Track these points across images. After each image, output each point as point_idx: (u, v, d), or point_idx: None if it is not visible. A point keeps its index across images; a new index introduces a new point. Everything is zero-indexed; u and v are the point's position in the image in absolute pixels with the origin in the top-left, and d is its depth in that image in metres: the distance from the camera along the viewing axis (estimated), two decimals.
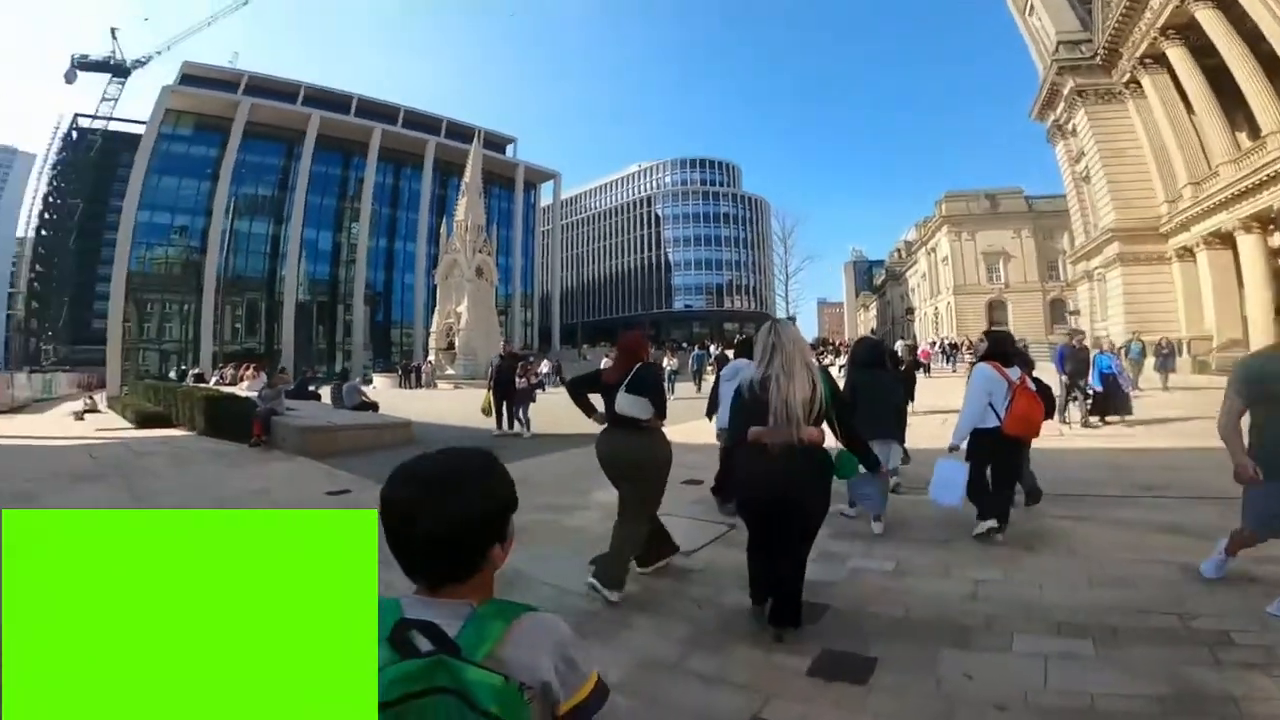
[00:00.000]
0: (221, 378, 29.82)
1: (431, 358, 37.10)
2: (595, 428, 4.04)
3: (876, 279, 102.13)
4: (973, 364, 4.96)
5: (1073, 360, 10.11)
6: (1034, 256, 51.43)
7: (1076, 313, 34.11)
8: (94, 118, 61.37)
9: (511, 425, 11.01)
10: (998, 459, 4.28)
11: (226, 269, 50.00)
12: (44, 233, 66.60)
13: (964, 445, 4.37)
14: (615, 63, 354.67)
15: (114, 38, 69.95)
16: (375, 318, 57.71)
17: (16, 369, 49.12)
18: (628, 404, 3.51)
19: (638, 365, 3.62)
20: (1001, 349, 4.43)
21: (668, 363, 17.22)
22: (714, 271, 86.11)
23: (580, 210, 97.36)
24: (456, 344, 36.05)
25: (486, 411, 10.85)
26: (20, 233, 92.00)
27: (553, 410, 13.74)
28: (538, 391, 12.43)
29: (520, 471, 6.04)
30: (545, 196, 74.31)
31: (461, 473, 0.97)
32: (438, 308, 38.09)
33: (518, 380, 10.92)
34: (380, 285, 58.55)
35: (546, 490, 6.35)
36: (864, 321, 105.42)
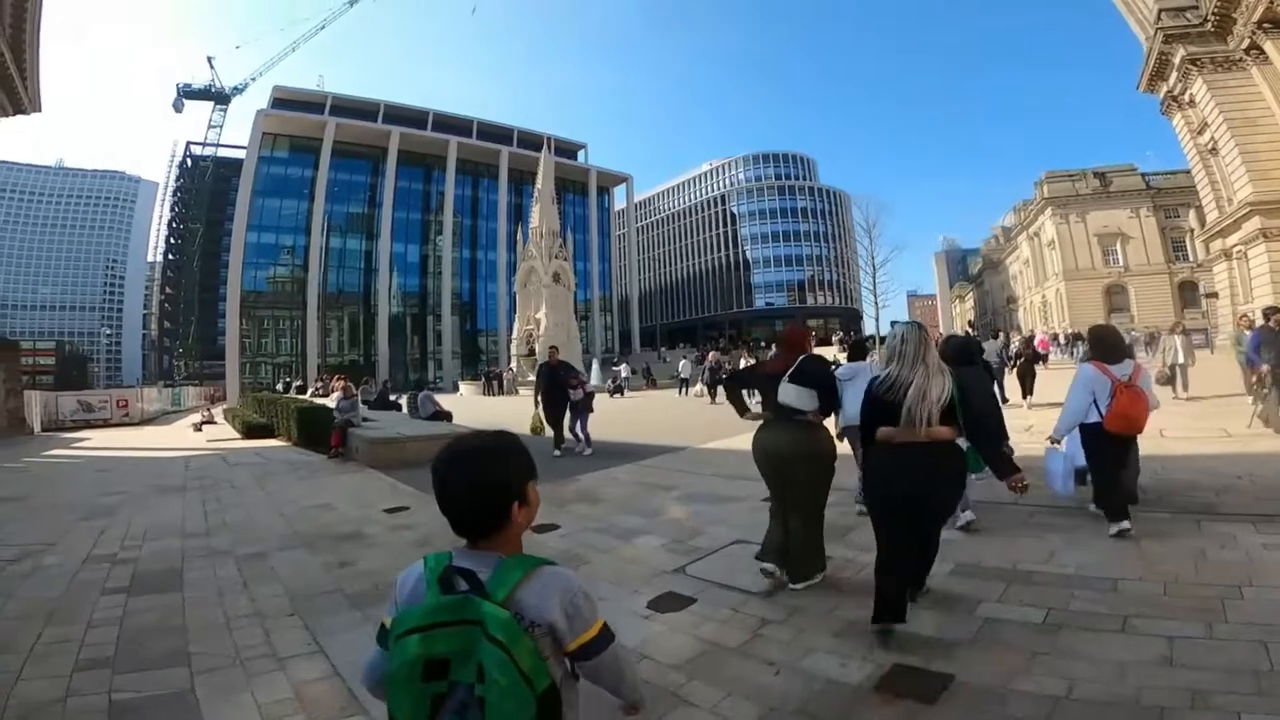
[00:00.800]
0: (317, 389, 31.48)
1: (513, 364, 37.78)
2: (660, 439, 3.82)
3: (972, 267, 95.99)
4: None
5: (1274, 347, 7.40)
6: (1156, 236, 46.55)
7: (1214, 295, 30.27)
8: (204, 144, 67.42)
9: (560, 445, 9.46)
10: (1107, 454, 4.28)
11: (326, 284, 53.38)
12: (170, 256, 73.50)
13: (1064, 440, 4.43)
14: (681, 63, 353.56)
15: (211, 66, 76.59)
16: (464, 326, 59.89)
17: (151, 383, 54.68)
18: (791, 395, 3.46)
19: (801, 357, 3.56)
20: (1103, 349, 4.48)
21: (745, 363, 16.38)
22: (794, 268, 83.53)
23: (654, 212, 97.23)
24: (536, 350, 36.51)
25: (537, 429, 9.28)
26: (150, 257, 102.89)
27: (610, 419, 13.30)
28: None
29: (582, 488, 5.71)
30: (619, 201, 74.67)
31: (480, 449, 1.22)
32: (518, 314, 38.79)
33: (572, 392, 9.37)
34: (466, 294, 60.64)
35: (611, 507, 5.82)
36: (960, 313, 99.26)
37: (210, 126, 70.43)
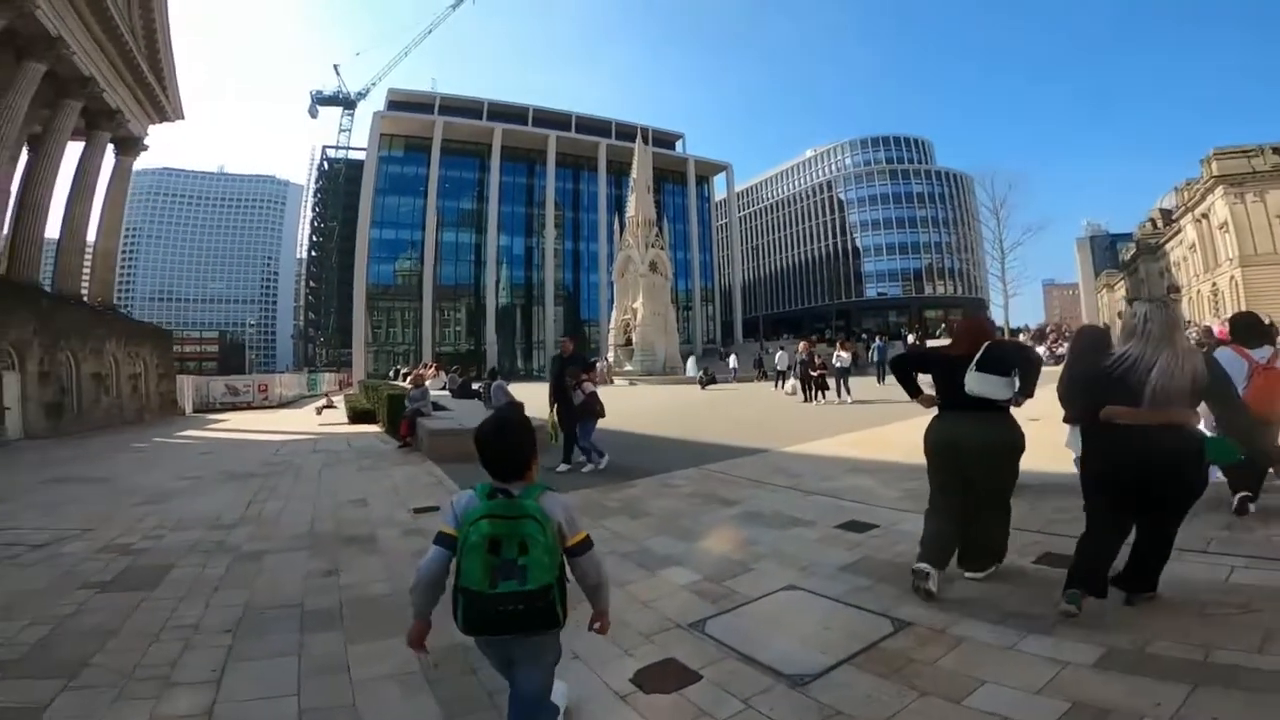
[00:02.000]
0: (414, 378, 32.36)
1: (611, 354, 37.65)
2: (740, 439, 5.54)
3: (1123, 254, 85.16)
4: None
5: None
6: None
7: None
8: (337, 148, 72.95)
9: (568, 457, 7.58)
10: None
11: (439, 277, 56.14)
12: (313, 253, 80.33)
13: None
14: (784, 48, 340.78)
15: (337, 73, 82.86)
16: (568, 316, 61.05)
17: (297, 370, 60.19)
18: (984, 385, 3.29)
19: (987, 344, 3.38)
20: (1244, 333, 4.55)
21: (839, 356, 15.38)
22: (910, 255, 77.82)
23: (756, 201, 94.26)
24: (634, 340, 36.14)
25: (552, 437, 7.74)
26: (298, 254, 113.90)
27: (694, 413, 12.25)
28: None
29: (630, 496, 5.94)
30: (719, 190, 72.93)
31: (508, 422, 1.93)
32: (615, 304, 38.61)
33: (574, 393, 7.36)
34: (569, 285, 61.67)
35: (652, 524, 4.95)
36: (1108, 304, 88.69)
37: (341, 130, 76.33)
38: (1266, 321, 5.03)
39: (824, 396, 14.97)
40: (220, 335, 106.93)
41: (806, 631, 2.81)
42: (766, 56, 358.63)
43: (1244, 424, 4.04)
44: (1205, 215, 48.34)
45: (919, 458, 6.15)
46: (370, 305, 55.46)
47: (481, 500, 1.75)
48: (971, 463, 3.33)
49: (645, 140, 61.82)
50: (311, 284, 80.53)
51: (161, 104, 27.76)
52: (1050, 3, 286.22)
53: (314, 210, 78.97)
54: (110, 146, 26.11)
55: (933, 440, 3.55)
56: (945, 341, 6.68)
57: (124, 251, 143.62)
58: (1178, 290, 57.90)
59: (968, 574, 3.36)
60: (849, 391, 15.00)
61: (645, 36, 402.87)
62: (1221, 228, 45.31)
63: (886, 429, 9.26)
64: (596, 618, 1.92)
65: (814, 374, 14.99)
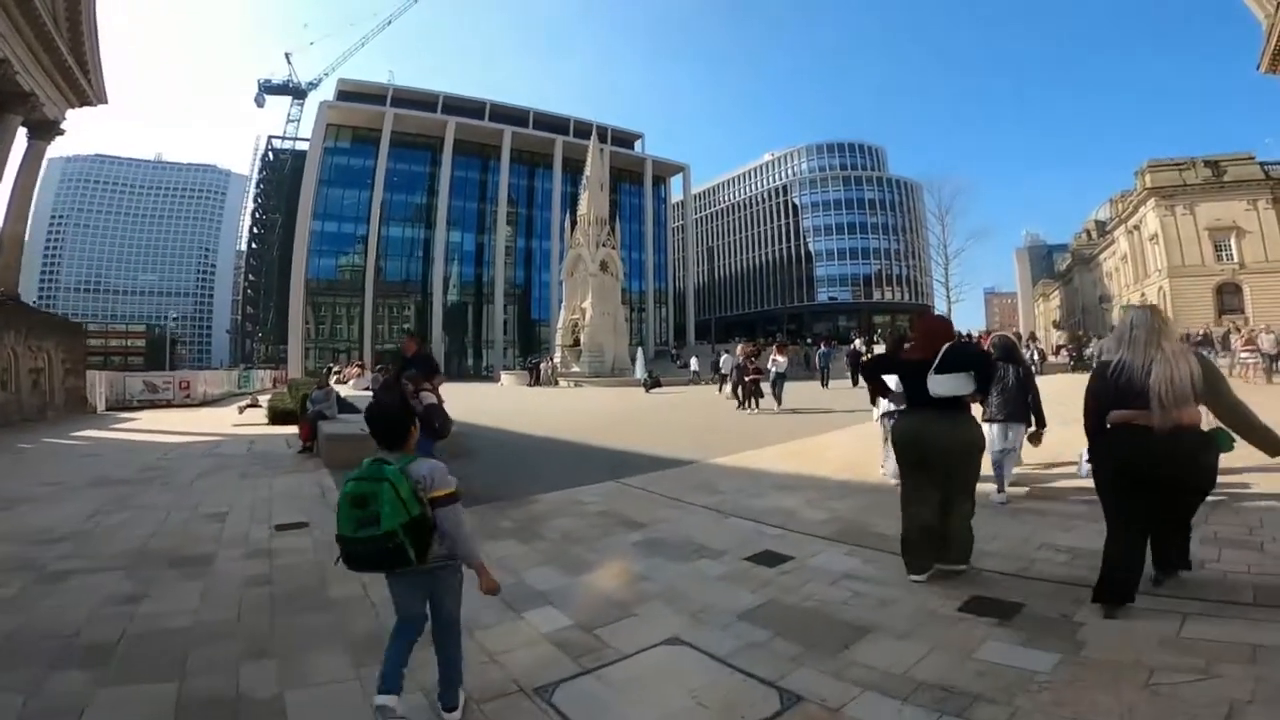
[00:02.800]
0: (338, 376, 30.88)
1: (558, 355, 36.79)
2: (669, 448, 5.98)
3: (1059, 264, 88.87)
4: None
5: None
6: (1277, 231, 41.08)
7: None
8: (283, 138, 69.71)
9: None
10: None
11: (383, 272, 54.12)
12: (254, 245, 76.73)
13: None
14: (740, 51, 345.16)
15: (289, 62, 79.41)
16: (520, 315, 59.71)
17: (232, 367, 57.08)
18: (946, 385, 3.44)
19: (946, 346, 3.52)
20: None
21: (774, 361, 14.29)
22: (860, 261, 79.33)
23: (712, 204, 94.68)
24: (582, 340, 35.38)
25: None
26: (240, 246, 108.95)
27: (631, 418, 11.61)
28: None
29: (531, 515, 5.37)
30: (676, 193, 72.86)
31: (385, 405, 2.45)
32: (564, 303, 37.78)
33: (415, 401, 4.67)
34: (521, 283, 60.41)
35: (543, 552, 4.36)
36: (1044, 313, 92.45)
37: (289, 120, 72.90)
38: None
39: (756, 405, 13.66)
40: (148, 329, 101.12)
41: (673, 707, 2.25)
42: (729, 60, 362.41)
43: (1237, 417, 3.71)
44: (1137, 227, 50.51)
45: (851, 473, 6.10)
46: (310, 300, 53.12)
47: (364, 467, 2.18)
48: (937, 458, 3.47)
49: (604, 139, 61.35)
50: (251, 277, 76.94)
51: (82, 87, 25.77)
52: (998, 17, 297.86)
53: (256, 202, 75.54)
54: (23, 131, 24.36)
55: (899, 436, 3.71)
56: (881, 349, 7.29)
57: (49, 240, 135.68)
58: (1109, 300, 60.51)
59: (942, 566, 3.45)
60: (779, 401, 13.70)
61: (609, 37, 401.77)
62: (1152, 239, 47.37)
63: (823, 438, 8.92)
64: (479, 578, 2.25)
65: (747, 379, 13.89)
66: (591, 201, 36.05)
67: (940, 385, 3.43)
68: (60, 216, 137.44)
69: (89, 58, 25.10)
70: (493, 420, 12.23)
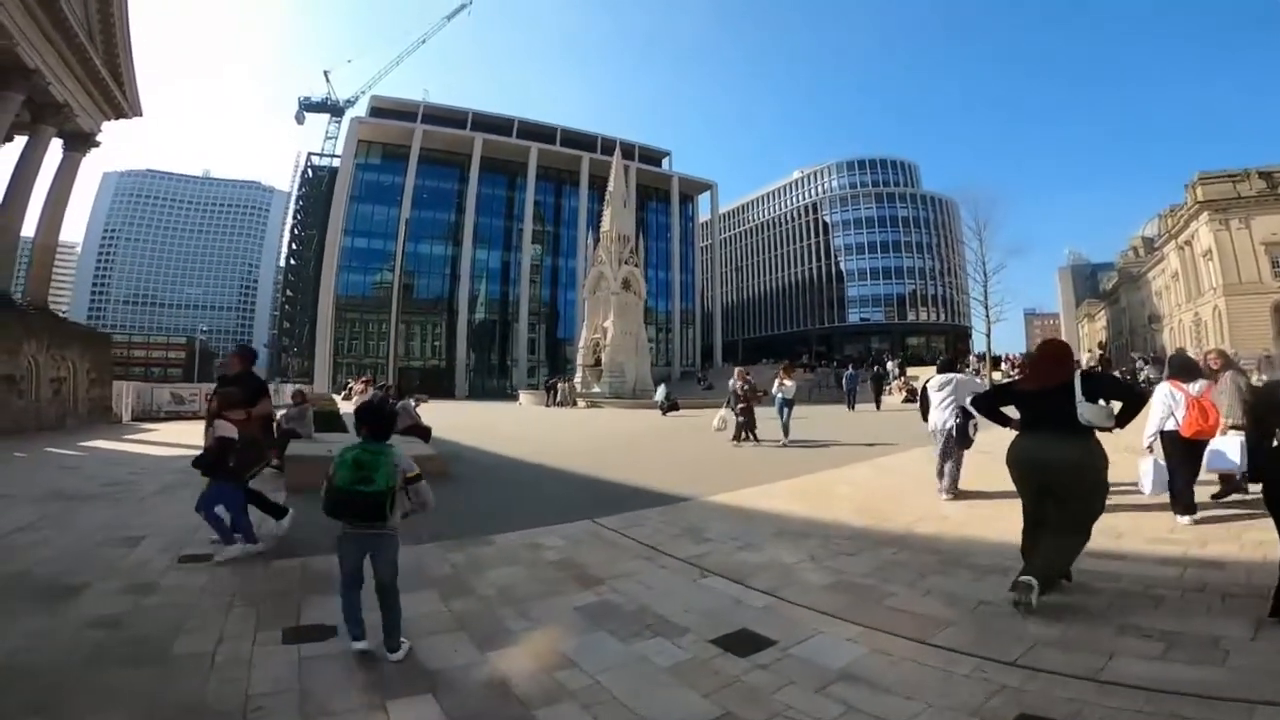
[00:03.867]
0: (349, 391, 30.79)
1: (579, 375, 36.12)
2: (663, 482, 6.10)
3: (1104, 283, 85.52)
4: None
5: None
6: None
7: None
8: (321, 155, 71.30)
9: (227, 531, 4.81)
10: (1184, 454, 5.03)
11: (411, 289, 54.39)
12: (292, 261, 78.40)
13: (1156, 444, 5.18)
14: (767, 70, 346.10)
15: (327, 80, 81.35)
16: (548, 334, 59.42)
17: (270, 380, 57.65)
18: (1092, 414, 3.40)
19: (1081, 374, 3.58)
20: (1180, 371, 5.39)
21: (780, 386, 11.93)
22: (894, 281, 77.30)
23: (740, 223, 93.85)
24: (603, 360, 34.65)
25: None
26: (280, 262, 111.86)
27: (632, 445, 10.68)
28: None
29: (475, 561, 4.59)
30: (704, 210, 72.33)
31: (378, 408, 3.28)
32: (586, 322, 37.17)
33: (219, 425, 4.95)
34: (546, 302, 60.22)
35: (459, 615, 3.56)
36: (1089, 334, 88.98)
37: (327, 138, 74.70)
38: (1198, 360, 5.87)
39: (750, 437, 11.52)
40: (188, 341, 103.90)
41: None
42: (756, 78, 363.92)
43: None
44: (1189, 242, 48.04)
45: (869, 518, 5.25)
46: (339, 316, 53.57)
47: (362, 443, 3.04)
48: (1053, 480, 3.46)
49: (631, 156, 61.30)
50: (289, 293, 78.52)
51: (116, 99, 26.34)
52: (1034, 29, 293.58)
53: (295, 218, 77.24)
54: (60, 142, 24.97)
55: (1015, 458, 3.66)
56: (934, 373, 6.87)
57: (101, 253, 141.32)
58: (1159, 320, 57.63)
59: (1022, 577, 3.25)
60: (786, 431, 11.38)
61: (637, 57, 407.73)
62: (1205, 255, 44.97)
63: (839, 473, 7.93)
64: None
65: (739, 407, 11.60)
66: (614, 218, 35.56)
67: (1091, 414, 3.40)
68: (112, 230, 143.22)
69: (123, 69, 25.56)
70: (489, 442, 11.51)
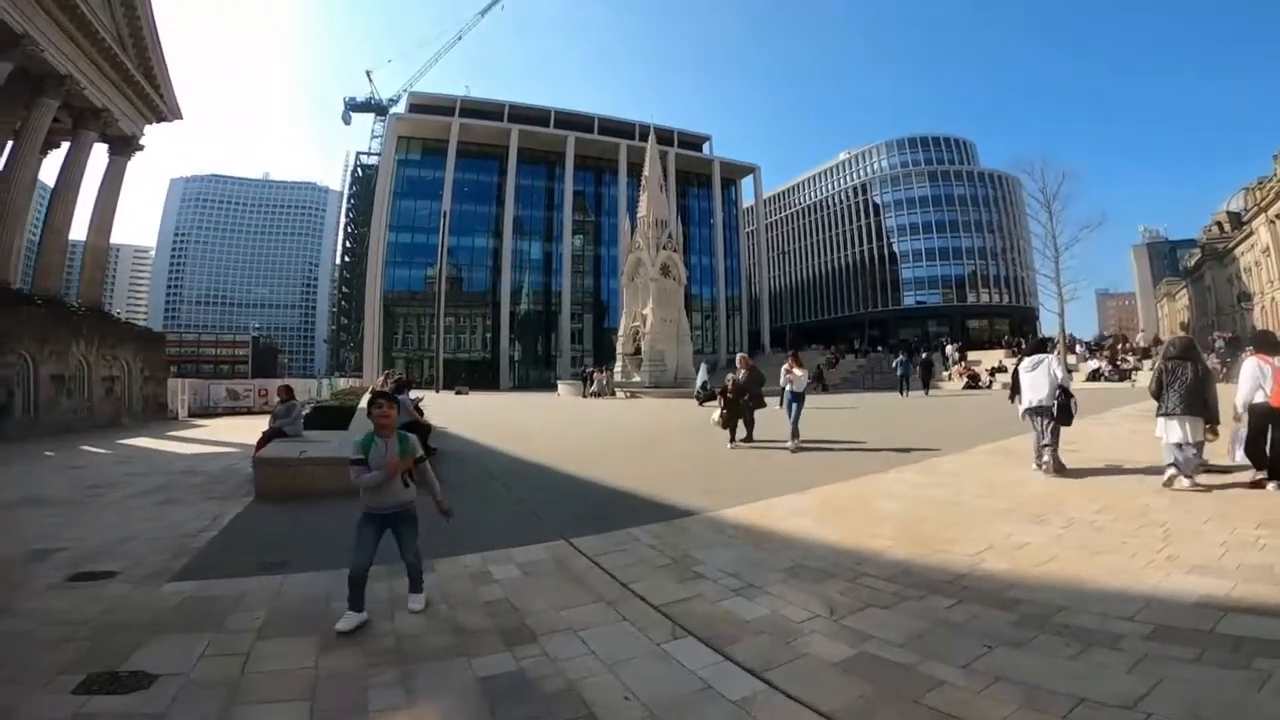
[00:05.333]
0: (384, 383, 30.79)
1: (619, 364, 35.25)
2: (675, 490, 5.81)
3: (1186, 260, 78.99)
4: None
5: None
6: None
7: None
8: (369, 154, 72.52)
9: None
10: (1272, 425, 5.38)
11: (453, 282, 54.66)
12: (346, 259, 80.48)
13: (1245, 415, 5.56)
14: (811, 52, 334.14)
15: (370, 80, 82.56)
16: (595, 323, 58.94)
17: (329, 374, 59.47)
18: None
19: None
20: (1265, 344, 5.79)
21: (787, 377, 9.67)
22: (951, 262, 73.21)
23: (786, 207, 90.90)
24: (642, 348, 33.66)
25: None
26: (337, 259, 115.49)
27: (657, 442, 9.68)
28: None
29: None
30: (747, 195, 70.20)
31: (388, 393, 3.90)
32: (624, 310, 36.23)
33: None
34: (590, 291, 59.61)
35: (342, 674, 2.58)
36: (1169, 314, 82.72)
37: (373, 137, 76.08)
38: None
39: (746, 434, 9.82)
40: (254, 339, 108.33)
41: None
42: (798, 61, 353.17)
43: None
44: None
45: (916, 547, 4.17)
46: (387, 311, 54.35)
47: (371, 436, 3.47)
48: None
49: (670, 142, 59.93)
50: (344, 289, 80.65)
51: (155, 103, 26.94)
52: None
53: (348, 216, 79.12)
54: (105, 147, 25.65)
55: None
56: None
57: (173, 256, 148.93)
58: (1249, 299, 52.79)
59: None
60: (795, 433, 9.22)
61: (675, 42, 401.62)
62: None
63: (884, 479, 6.66)
64: (439, 507, 3.52)
65: (726, 397, 9.84)
66: (650, 202, 34.38)
67: None
68: (182, 234, 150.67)
69: (157, 73, 26.01)
70: (500, 440, 10.70)
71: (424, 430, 9.20)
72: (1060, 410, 6.31)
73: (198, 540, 5.15)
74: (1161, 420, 5.68)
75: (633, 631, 3.07)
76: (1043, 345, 7.80)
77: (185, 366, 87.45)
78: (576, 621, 3.20)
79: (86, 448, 14.94)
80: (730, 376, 10.36)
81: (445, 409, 20.21)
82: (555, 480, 7.50)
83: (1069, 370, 7.81)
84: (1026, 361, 6.86)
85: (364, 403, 11.17)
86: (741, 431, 9.87)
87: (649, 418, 16.15)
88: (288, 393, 8.70)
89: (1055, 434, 6.44)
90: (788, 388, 9.65)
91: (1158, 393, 5.79)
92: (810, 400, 10.46)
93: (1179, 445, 5.50)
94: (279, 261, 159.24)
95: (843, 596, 3.35)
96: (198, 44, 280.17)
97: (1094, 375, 24.81)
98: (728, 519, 5.27)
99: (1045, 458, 6.47)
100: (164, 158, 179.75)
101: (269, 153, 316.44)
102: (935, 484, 6.28)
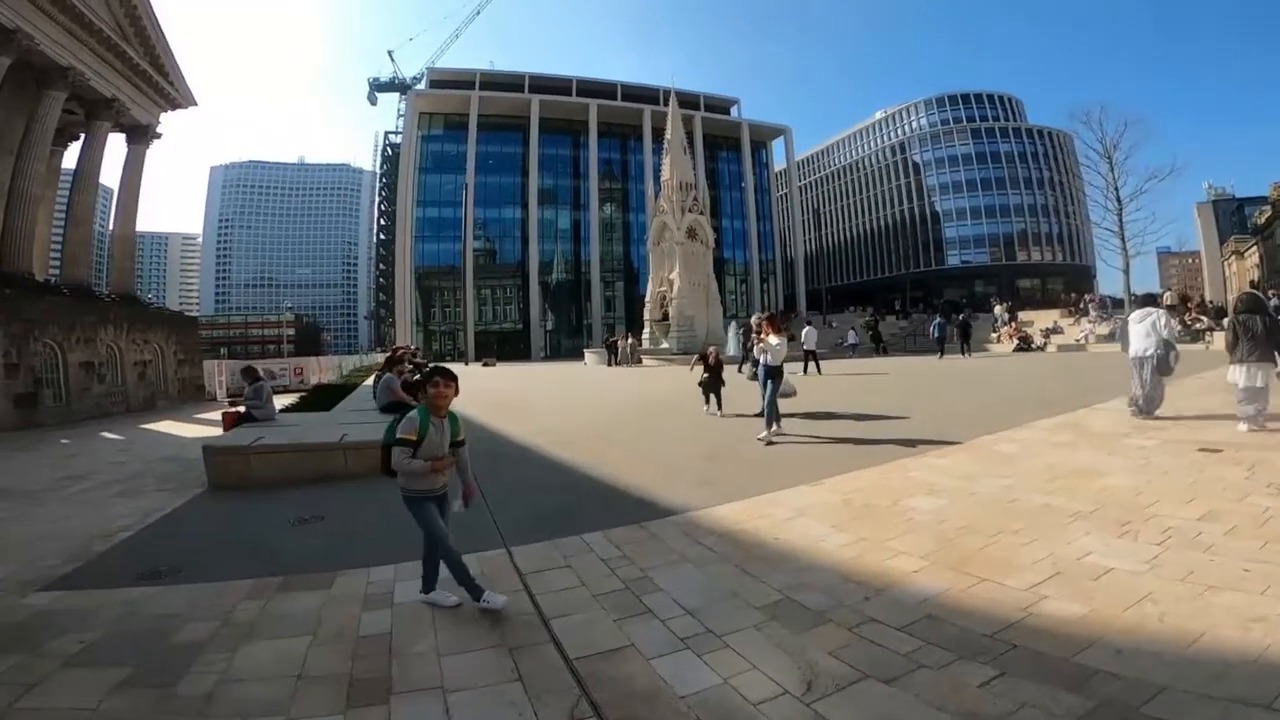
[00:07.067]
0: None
1: (646, 331, 34.32)
2: (667, 476, 5.13)
3: (1256, 217, 73.01)
4: None
5: None
6: None
7: None
8: (396, 133, 72.28)
9: None
10: None
11: (482, 255, 54.33)
12: (381, 236, 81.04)
13: None
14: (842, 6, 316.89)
15: (392, 59, 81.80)
16: (626, 291, 58.10)
17: (368, 352, 60.27)
18: None
19: None
20: None
21: (760, 347, 7.95)
22: (999, 220, 69.31)
23: (820, 169, 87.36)
24: (670, 314, 32.59)
25: None
26: (373, 237, 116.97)
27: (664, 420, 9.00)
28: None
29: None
30: (779, 159, 67.51)
31: (443, 368, 3.33)
32: (651, 275, 35.14)
33: None
34: (619, 259, 58.58)
35: None
36: (1237, 272, 76.97)
37: (399, 115, 75.71)
38: None
39: (716, 405, 9.45)
40: (297, 318, 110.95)
41: None
42: (830, 15, 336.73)
43: None
44: None
45: (947, 573, 3.14)
46: (419, 285, 54.49)
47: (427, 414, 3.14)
48: None
49: (696, 106, 57.79)
50: (381, 266, 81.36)
51: (167, 91, 26.85)
52: None
53: (381, 194, 79.46)
54: (123, 136, 25.75)
55: None
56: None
57: (219, 242, 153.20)
58: None
59: None
60: (777, 421, 7.56)
61: (697, 6, 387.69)
62: None
63: (922, 465, 5.55)
64: (464, 488, 3.26)
65: (708, 364, 9.59)
66: (674, 165, 32.90)
67: None
68: (226, 220, 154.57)
69: (165, 62, 25.83)
70: (497, 418, 9.88)
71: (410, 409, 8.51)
72: (1159, 361, 6.97)
73: (110, 541, 4.56)
74: (1234, 367, 6.32)
75: (518, 700, 2.20)
76: (1151, 299, 8.46)
77: (234, 348, 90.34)
78: (455, 676, 2.36)
79: (106, 434, 14.96)
80: (712, 348, 10.07)
81: (459, 382, 19.76)
82: (532, 466, 6.60)
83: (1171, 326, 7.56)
84: (1136, 314, 7.57)
85: (370, 380, 10.61)
86: (713, 404, 9.65)
87: (661, 388, 15.15)
88: (253, 374, 8.10)
89: (1156, 383, 7.05)
90: (761, 359, 7.89)
91: (1233, 344, 6.37)
92: (839, 365, 9.43)
93: (1251, 390, 6.07)
94: (319, 242, 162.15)
95: (832, 659, 2.36)
96: (231, 32, 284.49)
97: None
98: (715, 521, 4.28)
99: (1140, 402, 7.09)
100: (205, 147, 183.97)
101: (303, 137, 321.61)
102: (986, 473, 5.13)
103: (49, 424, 17.54)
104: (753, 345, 9.67)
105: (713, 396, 9.55)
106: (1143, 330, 7.18)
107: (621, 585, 3.22)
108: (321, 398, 11.01)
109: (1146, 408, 7.00)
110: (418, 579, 3.22)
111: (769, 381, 7.58)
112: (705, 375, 9.63)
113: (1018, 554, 3.34)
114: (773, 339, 7.69)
